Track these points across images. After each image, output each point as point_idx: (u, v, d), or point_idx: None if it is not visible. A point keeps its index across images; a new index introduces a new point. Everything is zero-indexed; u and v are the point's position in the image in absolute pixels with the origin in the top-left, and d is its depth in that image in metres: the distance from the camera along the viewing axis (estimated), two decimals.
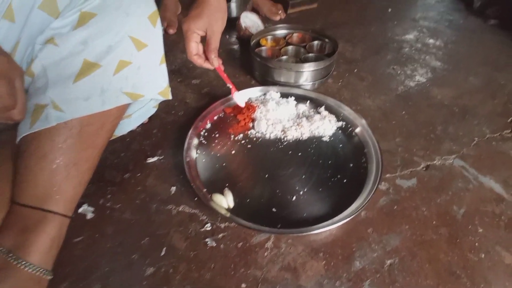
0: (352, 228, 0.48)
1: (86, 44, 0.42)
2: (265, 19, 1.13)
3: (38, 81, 0.42)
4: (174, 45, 0.99)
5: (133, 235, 0.48)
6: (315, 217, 0.48)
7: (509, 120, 0.71)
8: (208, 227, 0.49)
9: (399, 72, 0.86)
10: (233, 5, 1.04)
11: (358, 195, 0.51)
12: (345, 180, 0.54)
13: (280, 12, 1.12)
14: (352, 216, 0.47)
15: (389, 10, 1.21)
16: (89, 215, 0.51)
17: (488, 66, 0.90)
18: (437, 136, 0.66)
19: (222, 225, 0.49)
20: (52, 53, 0.41)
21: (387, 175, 0.57)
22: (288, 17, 1.14)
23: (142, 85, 0.49)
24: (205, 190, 0.52)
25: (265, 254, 0.45)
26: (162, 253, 0.45)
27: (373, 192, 0.50)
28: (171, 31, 1.04)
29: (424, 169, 0.59)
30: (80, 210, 0.51)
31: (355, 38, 1.02)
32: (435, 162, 0.60)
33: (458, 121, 0.70)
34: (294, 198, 0.51)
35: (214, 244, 0.46)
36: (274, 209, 0.50)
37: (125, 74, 0.45)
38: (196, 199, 0.52)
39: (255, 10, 1.16)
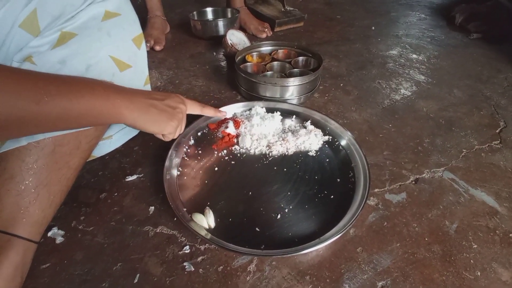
0: (340, 248, 0.46)
1: (64, 63, 0.40)
2: (251, 37, 1.15)
3: None
4: (160, 62, 0.99)
5: (104, 260, 0.44)
6: (301, 236, 0.46)
7: (497, 131, 0.71)
8: (186, 249, 0.45)
9: (384, 86, 0.86)
10: (221, 23, 1.06)
11: (346, 212, 0.48)
12: (332, 196, 0.52)
13: (266, 30, 1.14)
14: (340, 234, 0.44)
15: (373, 28, 1.25)
16: (59, 239, 0.47)
17: (471, 79, 0.91)
18: (424, 149, 0.65)
19: (202, 247, 0.46)
20: None
21: (376, 190, 0.55)
22: (275, 35, 1.17)
23: None
24: (185, 209, 0.49)
25: (247, 278, 0.42)
26: (135, 280, 0.42)
27: (361, 208, 0.48)
28: (158, 47, 1.05)
29: (414, 182, 0.57)
30: (49, 234, 0.47)
31: (340, 54, 1.04)
32: (424, 175, 0.59)
33: (445, 133, 0.70)
34: (279, 216, 0.48)
35: (192, 268, 0.43)
36: (257, 229, 0.47)
37: None
38: (175, 219, 0.49)
39: (242, 28, 1.19)
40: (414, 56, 1.03)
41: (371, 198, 0.53)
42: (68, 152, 0.42)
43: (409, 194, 0.54)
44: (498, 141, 0.68)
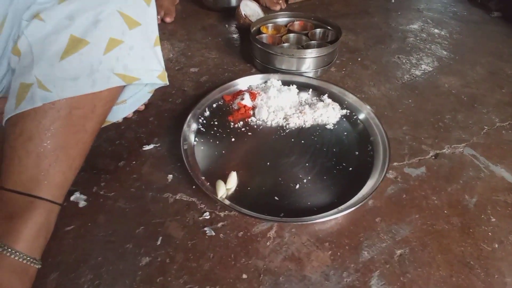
0: (359, 218, 0.46)
1: (72, 19, 0.39)
2: (265, 9, 1.11)
3: (25, 59, 0.40)
4: (171, 34, 0.96)
5: (127, 224, 0.45)
6: (319, 206, 0.46)
7: None
8: (206, 215, 0.46)
9: (404, 61, 0.83)
10: None
11: (365, 184, 0.48)
12: (350, 169, 0.52)
13: (280, 1, 1.09)
14: (359, 205, 0.44)
15: (392, 1, 1.19)
16: (81, 203, 0.48)
17: (493, 57, 0.87)
18: (445, 125, 0.63)
19: (222, 214, 0.46)
20: (37, 29, 0.39)
21: (395, 164, 0.54)
22: (289, 7, 1.12)
23: (135, 67, 0.46)
24: (203, 178, 0.49)
25: (268, 243, 0.43)
26: (158, 243, 0.43)
27: (380, 180, 0.47)
28: (168, 19, 1.02)
29: (433, 157, 0.56)
30: (72, 198, 0.48)
31: (358, 27, 1.00)
32: (444, 150, 0.57)
33: (467, 109, 0.68)
34: (297, 186, 0.49)
35: (213, 233, 0.44)
36: (276, 198, 0.47)
37: (116, 54, 0.43)
38: (194, 187, 0.50)
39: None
40: (436, 31, 0.99)
41: (390, 171, 0.53)
42: (84, 115, 0.42)
43: (428, 168, 0.54)
44: None
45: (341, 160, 0.53)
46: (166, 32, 0.98)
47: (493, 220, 0.47)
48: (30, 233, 0.36)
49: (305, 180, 0.49)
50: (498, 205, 0.49)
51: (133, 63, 0.46)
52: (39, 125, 0.38)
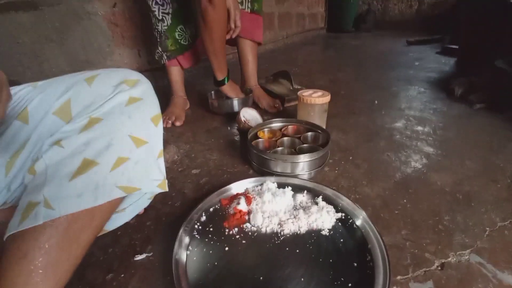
0: None
1: (88, 145, 0.44)
2: (264, 112, 1.26)
3: (38, 179, 0.43)
4: (179, 137, 1.07)
5: None
6: None
7: None
8: None
9: (394, 158, 0.88)
10: (235, 102, 1.18)
11: None
12: (350, 284, 0.48)
13: (277, 105, 1.25)
14: None
15: (376, 102, 1.34)
16: None
17: (482, 149, 0.91)
18: (445, 227, 0.62)
19: None
20: (56, 154, 0.43)
21: (398, 277, 0.51)
22: (285, 110, 1.27)
23: (138, 178, 0.49)
24: None
25: None
26: None
27: None
28: (178, 123, 1.15)
29: (440, 268, 0.53)
30: None
31: (347, 127, 1.10)
32: (449, 259, 0.54)
33: (465, 209, 0.67)
34: None
35: None
36: None
37: (122, 170, 0.47)
38: None
39: (255, 104, 1.31)
40: (420, 128, 1.07)
41: (394, 287, 0.49)
42: (81, 229, 0.42)
43: (436, 283, 0.50)
44: None
45: (339, 273, 0.50)
46: (174, 134, 1.10)
47: None
48: None
49: None
50: None
51: (137, 175, 0.49)
52: (35, 242, 0.39)
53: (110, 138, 0.46)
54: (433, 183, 0.76)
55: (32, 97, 0.47)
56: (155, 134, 0.55)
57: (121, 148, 0.47)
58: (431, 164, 0.84)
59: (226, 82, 1.17)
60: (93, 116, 0.46)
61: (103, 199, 0.44)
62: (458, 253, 0.55)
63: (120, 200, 0.52)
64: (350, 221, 0.61)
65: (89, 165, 0.44)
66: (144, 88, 0.53)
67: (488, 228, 0.61)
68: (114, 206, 0.50)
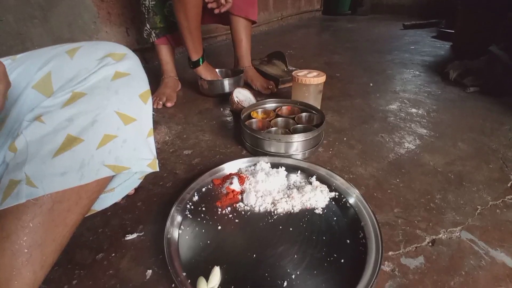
0: None
1: (71, 121, 0.42)
2: (257, 94, 1.23)
3: (19, 156, 0.41)
4: (170, 118, 1.04)
5: None
6: None
7: (509, 185, 0.68)
8: None
9: (387, 139, 0.87)
10: (226, 82, 1.15)
11: (360, 279, 0.44)
12: (342, 260, 0.48)
13: (271, 87, 1.22)
14: None
15: (371, 84, 1.33)
16: None
17: (475, 132, 0.92)
18: (437, 206, 0.62)
19: None
20: (37, 130, 0.41)
21: (390, 253, 0.51)
22: (279, 92, 1.24)
23: (126, 157, 0.48)
24: (184, 274, 0.46)
25: None
26: None
27: (376, 275, 0.44)
28: (169, 104, 1.12)
29: (430, 244, 0.53)
30: None
31: (342, 109, 1.09)
32: (440, 235, 0.55)
33: (456, 188, 0.67)
34: (286, 283, 0.44)
35: None
36: None
37: (109, 148, 0.45)
38: (173, 285, 0.46)
39: (248, 85, 1.27)
40: (414, 110, 1.07)
41: (386, 262, 0.49)
42: (67, 209, 0.41)
43: (427, 258, 0.50)
44: (511, 196, 0.65)
45: (332, 250, 0.50)
46: (166, 115, 1.07)
47: None
48: None
49: (293, 276, 0.46)
50: None
51: (125, 154, 0.47)
52: (18, 222, 0.37)
53: (96, 114, 0.44)
54: (426, 164, 0.76)
55: (11, 71, 0.44)
56: (144, 111, 0.53)
57: (107, 125, 0.45)
58: (424, 145, 0.84)
59: (201, 63, 1.11)
60: (76, 90, 0.43)
61: (89, 178, 0.43)
62: (449, 230, 0.56)
63: (109, 179, 0.51)
64: (343, 199, 0.61)
65: (73, 142, 0.42)
66: (132, 63, 0.50)
67: (479, 207, 0.62)
68: (102, 185, 0.49)
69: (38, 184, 0.39)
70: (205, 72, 1.14)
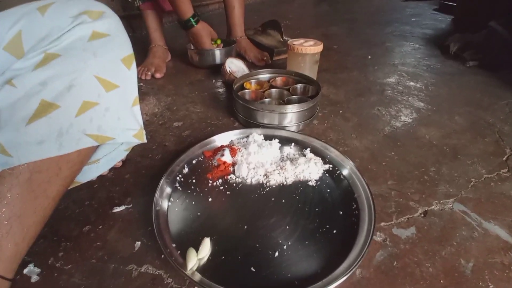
0: None
1: (45, 84, 0.38)
2: (251, 65, 1.17)
3: None
4: (159, 89, 1.00)
5: None
6: (301, 278, 0.41)
7: (504, 159, 0.68)
8: None
9: (384, 113, 0.85)
10: (217, 52, 1.08)
11: (351, 249, 0.44)
12: (334, 231, 0.48)
13: (265, 58, 1.16)
14: (346, 277, 0.39)
15: (369, 57, 1.28)
16: (34, 278, 0.43)
17: (472, 106, 0.90)
18: (431, 178, 0.61)
19: None
20: (8, 95, 0.38)
21: (382, 224, 0.51)
22: (274, 63, 1.19)
23: (110, 127, 0.45)
24: (174, 245, 0.45)
25: None
26: None
27: (367, 244, 0.43)
28: (158, 75, 1.06)
29: (422, 215, 0.53)
30: (25, 271, 0.43)
31: (338, 81, 1.05)
32: (433, 207, 0.55)
33: (451, 161, 0.67)
34: (277, 254, 0.44)
35: None
36: (252, 269, 0.42)
37: (90, 116, 0.42)
38: (163, 256, 0.45)
39: (242, 56, 1.21)
40: (412, 83, 1.04)
41: (378, 233, 0.49)
42: (47, 180, 0.39)
43: (418, 228, 0.50)
44: (506, 169, 0.64)
45: (325, 221, 0.49)
46: (154, 87, 1.02)
47: (492, 286, 0.42)
48: None
49: (285, 246, 0.45)
50: (495, 269, 0.44)
51: (108, 123, 0.45)
52: None
53: (72, 78, 0.40)
54: (422, 137, 0.75)
55: None
56: (128, 78, 0.49)
57: (86, 91, 0.42)
58: (421, 119, 0.83)
59: (194, 23, 0.99)
60: (49, 51, 0.39)
61: (69, 147, 0.40)
62: (441, 201, 0.56)
63: (92, 150, 0.48)
64: (337, 172, 0.59)
65: (48, 108, 0.39)
66: (111, 22, 0.45)
67: (473, 179, 0.61)
68: (85, 156, 0.46)
69: (12, 153, 0.36)
70: (202, 33, 1.02)
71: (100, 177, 0.61)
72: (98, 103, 0.43)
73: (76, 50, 0.41)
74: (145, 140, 0.53)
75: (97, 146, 0.49)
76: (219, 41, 1.12)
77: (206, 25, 1.05)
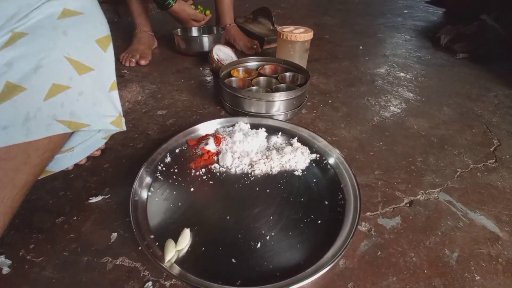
0: (329, 283, 0.40)
1: (10, 65, 0.35)
2: (240, 54, 1.14)
3: None
4: (144, 77, 0.96)
5: None
6: (283, 269, 0.40)
7: (491, 149, 0.68)
8: (149, 286, 0.39)
9: (373, 103, 0.84)
10: (205, 39, 1.05)
11: (335, 240, 0.43)
12: (319, 221, 0.46)
13: (255, 47, 1.13)
14: (328, 267, 0.38)
15: (360, 47, 1.26)
16: (5, 270, 0.40)
17: (461, 97, 0.90)
18: (418, 168, 0.61)
19: (168, 284, 0.39)
20: None
21: (368, 214, 0.50)
22: (264, 52, 1.16)
23: (84, 113, 0.42)
24: (152, 236, 0.43)
25: None
26: None
27: (352, 234, 0.42)
28: (143, 62, 1.02)
29: (408, 205, 0.52)
30: None
31: (329, 71, 1.03)
32: (418, 197, 0.54)
33: (438, 151, 0.66)
34: (259, 245, 0.42)
35: None
36: (233, 260, 0.40)
37: (61, 100, 0.39)
38: (140, 248, 0.43)
39: (231, 44, 1.18)
40: (402, 74, 1.03)
41: (363, 223, 0.48)
42: (14, 168, 0.36)
43: (404, 218, 0.49)
44: (494, 160, 0.64)
45: (310, 211, 0.48)
46: (139, 74, 0.98)
47: (478, 278, 0.41)
48: None
49: (268, 237, 0.44)
50: (481, 260, 0.44)
51: (82, 109, 0.42)
52: None
53: (39, 59, 0.37)
54: (410, 127, 0.74)
55: None
56: (104, 60, 0.46)
57: (56, 73, 0.39)
58: (410, 109, 0.82)
59: (172, 1, 0.94)
60: (16, 30, 0.36)
61: (38, 134, 0.38)
62: (427, 191, 0.55)
63: (65, 137, 0.45)
64: (324, 161, 0.58)
65: (13, 91, 0.36)
66: (86, 0, 0.42)
67: (459, 170, 0.61)
68: (56, 143, 0.43)
69: None
70: (183, 6, 1.00)
71: (77, 166, 0.58)
72: (70, 87, 0.40)
73: (44, 28, 0.38)
74: (124, 128, 0.50)
75: (71, 133, 0.46)
76: (208, 12, 1.08)
77: (182, 2, 1.02)
